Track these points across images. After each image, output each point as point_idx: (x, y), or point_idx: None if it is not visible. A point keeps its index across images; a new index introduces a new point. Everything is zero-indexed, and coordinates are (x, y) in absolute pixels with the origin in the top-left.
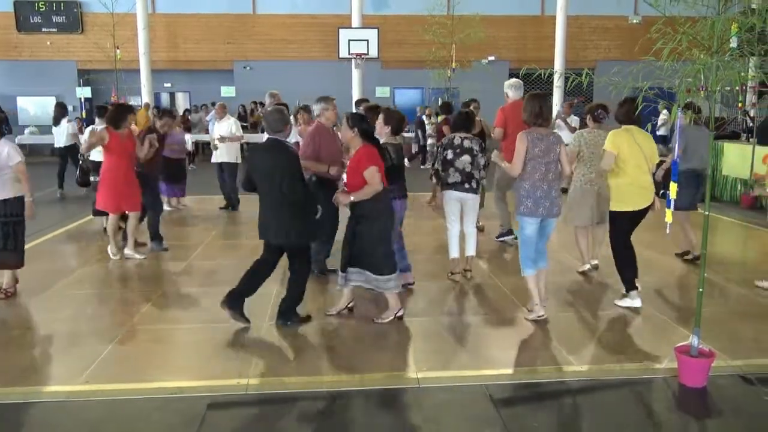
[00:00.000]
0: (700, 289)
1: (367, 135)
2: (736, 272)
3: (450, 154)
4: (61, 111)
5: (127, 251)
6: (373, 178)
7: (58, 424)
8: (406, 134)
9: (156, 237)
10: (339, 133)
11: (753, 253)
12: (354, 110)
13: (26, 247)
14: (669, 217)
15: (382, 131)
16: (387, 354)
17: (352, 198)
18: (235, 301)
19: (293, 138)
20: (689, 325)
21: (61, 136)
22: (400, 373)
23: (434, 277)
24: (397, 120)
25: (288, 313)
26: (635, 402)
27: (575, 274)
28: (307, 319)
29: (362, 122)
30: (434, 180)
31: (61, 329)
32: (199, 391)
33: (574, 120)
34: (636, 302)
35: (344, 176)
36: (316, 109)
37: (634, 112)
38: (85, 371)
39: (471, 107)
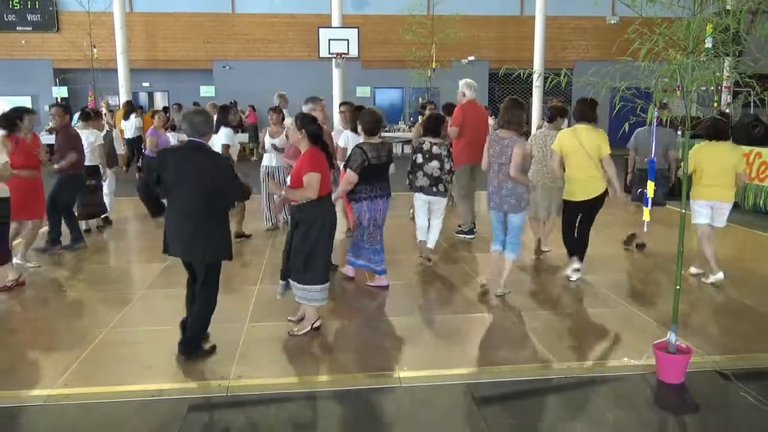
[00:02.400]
0: (677, 287)
1: (315, 137)
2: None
3: (419, 158)
4: (130, 107)
5: (17, 260)
6: (310, 184)
7: (36, 428)
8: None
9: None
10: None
11: (728, 251)
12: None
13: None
14: (646, 215)
15: (361, 131)
16: (368, 354)
17: (282, 192)
18: (195, 347)
19: (223, 140)
20: (667, 321)
21: (129, 129)
22: (381, 373)
23: (416, 277)
24: (368, 121)
25: (196, 343)
26: (614, 398)
27: (556, 274)
28: (212, 350)
29: (311, 124)
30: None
31: (39, 332)
32: (179, 393)
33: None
34: (573, 266)
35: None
36: (304, 109)
37: (584, 111)
38: (64, 374)
39: (427, 109)
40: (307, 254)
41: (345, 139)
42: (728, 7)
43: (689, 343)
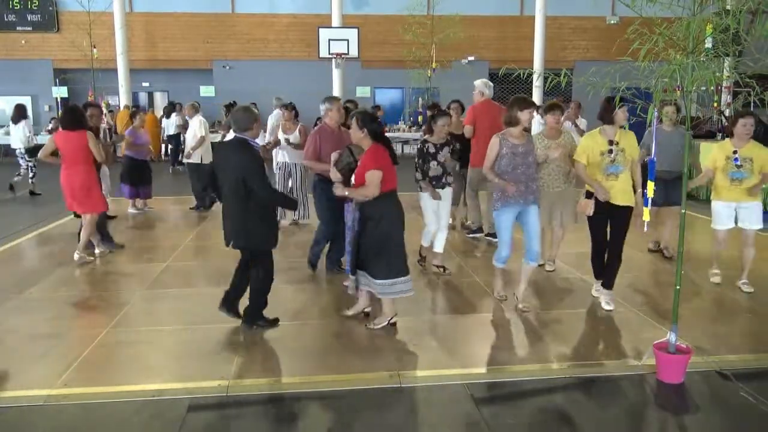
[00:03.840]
0: (677, 287)
1: (377, 135)
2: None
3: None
4: (171, 107)
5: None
6: (371, 181)
7: (36, 428)
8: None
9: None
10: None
11: (728, 250)
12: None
13: (4, 248)
14: (646, 215)
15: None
16: (368, 354)
17: (346, 193)
18: (230, 303)
19: (262, 138)
20: (667, 321)
21: (170, 127)
22: (381, 373)
23: (416, 278)
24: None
25: (253, 317)
26: (614, 399)
27: (555, 273)
28: (275, 322)
29: (372, 122)
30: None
31: (39, 332)
32: (179, 393)
33: (582, 122)
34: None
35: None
36: (321, 109)
37: (607, 111)
38: (63, 374)
39: (451, 108)
40: (376, 250)
41: None
42: (728, 7)
43: (689, 343)
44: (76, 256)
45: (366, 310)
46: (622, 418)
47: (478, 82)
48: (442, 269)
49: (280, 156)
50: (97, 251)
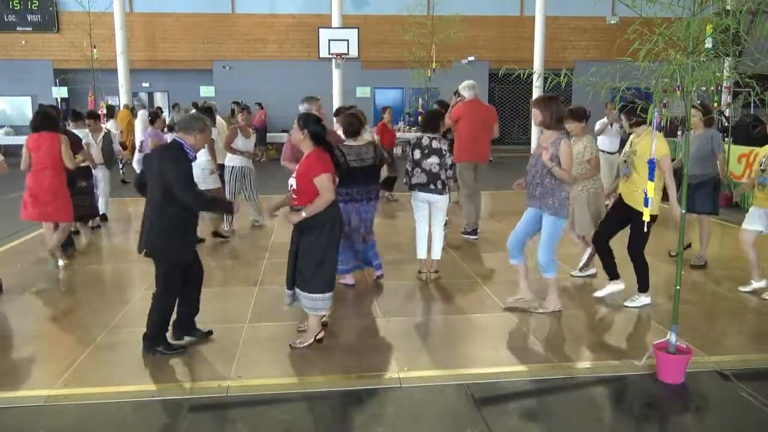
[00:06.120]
0: (677, 287)
1: (319, 138)
2: (713, 270)
3: (418, 154)
4: (210, 111)
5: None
6: (325, 186)
7: (36, 428)
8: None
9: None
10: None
11: (728, 251)
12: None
13: (5, 247)
14: (646, 215)
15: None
16: (368, 354)
17: (304, 215)
18: (151, 344)
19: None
20: (668, 322)
21: (213, 130)
22: (381, 374)
23: (414, 277)
24: (347, 123)
25: (151, 341)
26: (615, 399)
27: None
28: (178, 349)
29: (314, 124)
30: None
31: (39, 332)
32: (179, 393)
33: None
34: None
35: (292, 181)
36: (301, 110)
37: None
38: (63, 375)
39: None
40: (317, 261)
41: None
42: (728, 7)
43: (689, 343)
44: (60, 263)
45: (319, 337)
46: (622, 418)
47: (460, 86)
48: (435, 273)
49: (228, 159)
50: (60, 262)
